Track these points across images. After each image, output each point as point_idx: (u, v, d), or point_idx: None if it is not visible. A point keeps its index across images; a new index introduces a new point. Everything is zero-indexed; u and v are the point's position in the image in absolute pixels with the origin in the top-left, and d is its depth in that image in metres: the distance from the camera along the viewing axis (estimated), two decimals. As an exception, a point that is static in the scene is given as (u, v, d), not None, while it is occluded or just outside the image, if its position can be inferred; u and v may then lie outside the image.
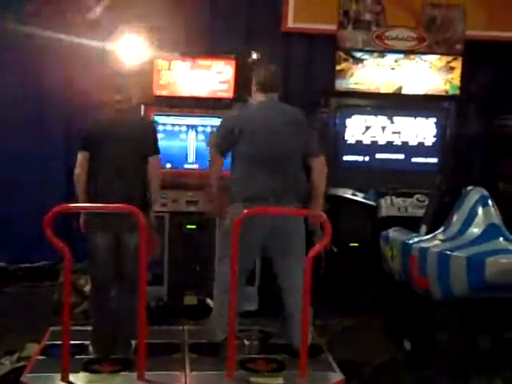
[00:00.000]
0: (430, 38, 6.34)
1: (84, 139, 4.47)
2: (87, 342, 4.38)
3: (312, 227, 4.43)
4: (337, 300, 5.87)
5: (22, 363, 4.27)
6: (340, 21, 6.26)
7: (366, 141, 6.39)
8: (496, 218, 4.39)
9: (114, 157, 4.38)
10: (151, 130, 4.67)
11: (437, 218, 4.83)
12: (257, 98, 4.50)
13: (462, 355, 4.43)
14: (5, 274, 6.62)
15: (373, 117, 6.39)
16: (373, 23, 6.29)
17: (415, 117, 6.43)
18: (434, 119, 6.45)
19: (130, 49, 5.79)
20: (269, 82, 4.44)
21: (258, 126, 4.33)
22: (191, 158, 5.93)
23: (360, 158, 6.39)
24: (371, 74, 6.32)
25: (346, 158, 6.36)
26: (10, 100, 6.55)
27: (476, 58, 6.59)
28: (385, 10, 6.28)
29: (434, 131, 6.45)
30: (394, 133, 6.42)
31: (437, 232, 4.69)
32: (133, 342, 4.25)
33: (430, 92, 6.39)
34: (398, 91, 6.38)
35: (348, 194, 6.09)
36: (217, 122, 5.81)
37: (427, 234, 4.85)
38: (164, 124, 5.86)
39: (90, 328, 4.45)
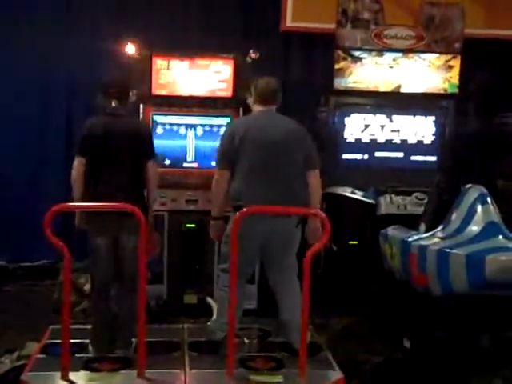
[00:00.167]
0: (429, 36, 6.34)
1: (81, 144, 4.44)
2: (87, 341, 4.38)
3: (309, 240, 4.39)
4: (336, 298, 5.87)
5: (22, 362, 4.27)
6: (338, 20, 6.25)
7: (365, 139, 6.39)
8: (495, 215, 4.39)
9: (112, 160, 4.39)
10: (148, 133, 4.68)
11: (436, 215, 4.83)
12: (256, 109, 4.51)
13: (462, 354, 4.44)
14: (5, 272, 6.64)
15: (372, 115, 6.38)
16: (371, 22, 6.28)
17: (414, 115, 6.43)
18: (433, 118, 6.45)
19: (128, 48, 5.78)
20: (268, 95, 4.45)
21: (258, 136, 4.32)
22: (190, 157, 5.93)
23: (359, 157, 6.39)
24: (370, 72, 6.32)
25: (345, 156, 6.37)
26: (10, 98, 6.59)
27: (475, 57, 6.58)
28: (383, 8, 6.27)
29: (433, 129, 6.45)
30: (393, 131, 6.42)
31: (436, 230, 4.69)
32: (133, 340, 4.26)
33: (428, 90, 6.39)
34: (397, 90, 6.38)
35: (347, 192, 6.08)
36: (216, 120, 5.89)
37: (426, 231, 4.86)
38: (163, 123, 5.86)
39: (89, 327, 4.45)
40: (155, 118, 5.83)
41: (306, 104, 6.46)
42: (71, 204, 4.34)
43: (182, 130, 5.92)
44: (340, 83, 6.28)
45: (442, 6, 6.36)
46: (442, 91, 6.39)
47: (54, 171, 6.69)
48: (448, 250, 4.30)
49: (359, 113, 6.36)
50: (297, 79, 7.02)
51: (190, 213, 5.70)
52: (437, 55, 6.34)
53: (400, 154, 6.44)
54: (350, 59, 6.26)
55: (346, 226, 6.00)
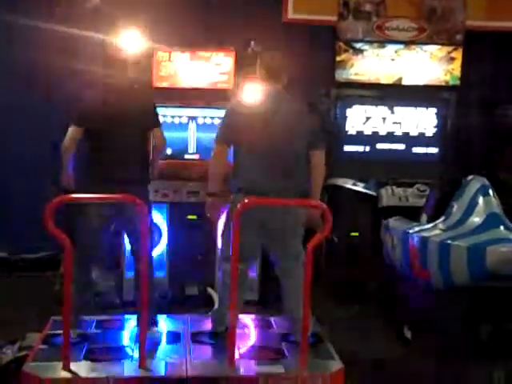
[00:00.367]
0: (431, 28, 6.34)
1: (79, 115, 4.35)
2: (89, 332, 4.40)
3: (311, 225, 4.33)
4: (337, 289, 5.88)
5: (24, 352, 4.27)
6: (340, 12, 6.25)
7: (367, 131, 6.40)
8: (497, 207, 4.40)
9: (114, 133, 4.30)
10: (150, 103, 4.64)
11: (437, 207, 4.84)
12: (260, 85, 4.42)
13: (463, 345, 4.45)
14: (6, 264, 6.65)
15: (373, 107, 6.39)
16: (373, 14, 6.29)
17: (416, 107, 6.43)
18: (435, 109, 6.45)
19: (129, 40, 5.77)
20: (272, 71, 4.37)
21: (260, 113, 4.25)
22: (192, 148, 5.93)
23: (361, 149, 6.40)
24: (371, 64, 6.32)
25: (346, 148, 6.37)
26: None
27: (476, 48, 6.58)
28: (385, 0, 6.27)
29: (435, 121, 6.46)
30: (394, 123, 6.42)
31: (437, 221, 4.70)
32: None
33: (430, 82, 6.39)
34: (399, 82, 6.38)
35: (349, 184, 6.09)
36: (217, 112, 5.88)
37: (428, 223, 4.86)
38: (164, 115, 5.85)
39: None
40: (156, 110, 5.81)
41: (308, 96, 6.44)
42: (74, 196, 4.31)
43: (184, 122, 5.92)
44: (342, 75, 6.29)
45: (443, -2, 6.36)
46: (443, 83, 6.39)
47: (56, 162, 6.66)
48: (449, 242, 4.31)
49: (361, 105, 6.37)
50: (298, 71, 6.99)
51: (192, 204, 5.70)
52: (438, 47, 6.34)
53: (402, 146, 6.45)
54: (351, 51, 6.27)
55: (348, 218, 6.02)
